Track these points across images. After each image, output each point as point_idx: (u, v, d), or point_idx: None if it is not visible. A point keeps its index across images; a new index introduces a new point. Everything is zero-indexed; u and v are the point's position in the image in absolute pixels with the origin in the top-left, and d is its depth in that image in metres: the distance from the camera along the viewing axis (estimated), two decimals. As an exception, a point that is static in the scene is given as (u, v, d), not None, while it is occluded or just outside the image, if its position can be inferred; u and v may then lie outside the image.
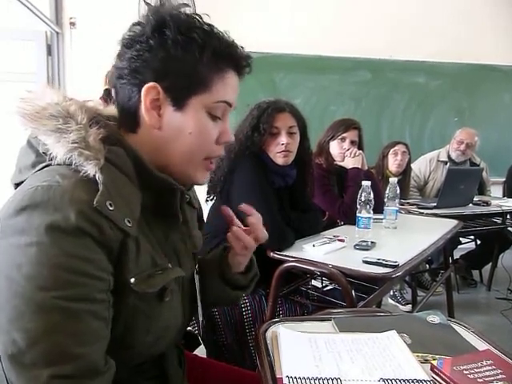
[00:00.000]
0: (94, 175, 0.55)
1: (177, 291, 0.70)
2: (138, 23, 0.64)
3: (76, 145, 0.57)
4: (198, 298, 0.80)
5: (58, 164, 0.57)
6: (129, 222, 0.57)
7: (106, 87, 2.11)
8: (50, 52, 3.27)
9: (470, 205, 2.64)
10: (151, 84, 0.62)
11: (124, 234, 0.56)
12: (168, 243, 0.70)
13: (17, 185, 0.62)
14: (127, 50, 0.63)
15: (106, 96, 2.07)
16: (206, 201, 1.47)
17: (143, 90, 0.62)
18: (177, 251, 0.72)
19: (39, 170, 0.59)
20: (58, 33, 3.27)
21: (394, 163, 2.76)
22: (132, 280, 0.58)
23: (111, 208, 0.54)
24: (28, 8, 2.62)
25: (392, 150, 2.78)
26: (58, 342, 0.50)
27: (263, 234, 0.82)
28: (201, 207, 0.89)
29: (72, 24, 3.32)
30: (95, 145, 0.58)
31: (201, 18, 0.65)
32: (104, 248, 0.55)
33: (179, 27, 0.61)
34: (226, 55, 0.65)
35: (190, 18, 0.64)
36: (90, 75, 2.54)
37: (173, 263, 0.69)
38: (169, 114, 0.64)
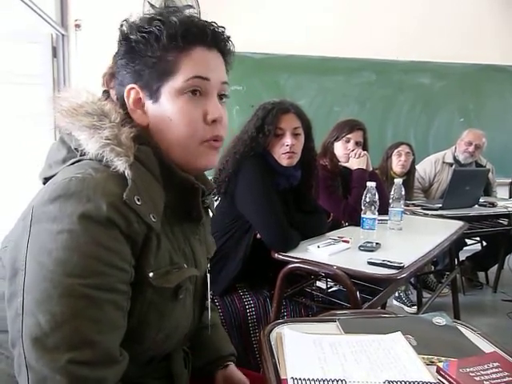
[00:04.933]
0: (124, 171, 0.58)
1: (190, 292, 0.72)
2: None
3: (109, 141, 0.59)
4: (208, 294, 0.81)
5: (89, 159, 0.60)
6: (153, 218, 0.59)
7: (105, 89, 2.11)
8: (55, 54, 3.29)
9: (476, 206, 2.62)
10: (129, 86, 0.66)
11: (148, 228, 0.59)
12: (186, 244, 0.72)
13: (45, 179, 0.64)
14: (115, 58, 0.69)
15: (105, 97, 2.08)
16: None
17: (124, 93, 0.66)
18: (194, 252, 0.74)
19: (70, 165, 0.61)
20: (63, 35, 3.28)
21: (397, 164, 2.74)
22: (151, 274, 0.60)
23: (139, 203, 0.57)
24: (33, 10, 2.64)
25: (396, 151, 2.76)
26: (80, 327, 0.51)
27: None
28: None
29: (77, 26, 3.33)
30: (127, 142, 0.61)
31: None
32: (129, 240, 0.57)
33: (139, 27, 0.65)
34: (184, 34, 0.64)
35: (151, 14, 0.66)
36: (94, 77, 2.55)
37: (189, 264, 0.71)
38: (150, 108, 0.67)
